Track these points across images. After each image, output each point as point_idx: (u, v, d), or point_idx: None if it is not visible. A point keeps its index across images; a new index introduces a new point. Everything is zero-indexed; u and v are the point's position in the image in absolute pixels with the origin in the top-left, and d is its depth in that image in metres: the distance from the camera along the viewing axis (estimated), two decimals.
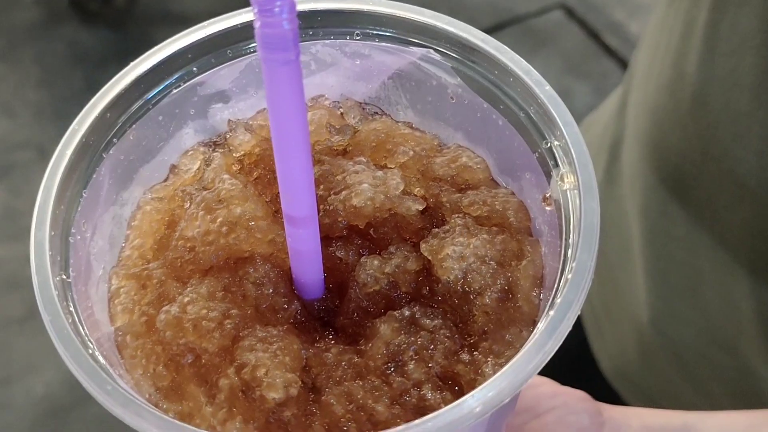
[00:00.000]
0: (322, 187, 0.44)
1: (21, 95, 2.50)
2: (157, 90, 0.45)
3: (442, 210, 0.44)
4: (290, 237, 0.40)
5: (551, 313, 0.36)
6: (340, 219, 0.43)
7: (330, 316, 0.43)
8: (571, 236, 0.39)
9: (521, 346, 0.38)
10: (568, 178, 0.40)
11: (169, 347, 0.39)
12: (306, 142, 0.36)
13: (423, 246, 0.42)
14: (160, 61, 0.44)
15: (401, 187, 0.44)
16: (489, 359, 0.39)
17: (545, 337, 0.35)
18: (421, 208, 0.44)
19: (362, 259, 0.43)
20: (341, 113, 0.49)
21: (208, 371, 0.39)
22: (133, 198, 0.45)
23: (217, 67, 0.46)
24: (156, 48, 0.44)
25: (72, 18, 2.71)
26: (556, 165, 0.41)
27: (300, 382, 0.38)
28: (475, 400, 0.33)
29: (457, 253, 0.41)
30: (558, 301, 0.36)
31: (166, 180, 0.47)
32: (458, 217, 0.43)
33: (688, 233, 0.72)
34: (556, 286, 0.38)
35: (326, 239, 0.43)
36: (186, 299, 0.40)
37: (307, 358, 0.40)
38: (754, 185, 0.63)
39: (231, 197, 0.43)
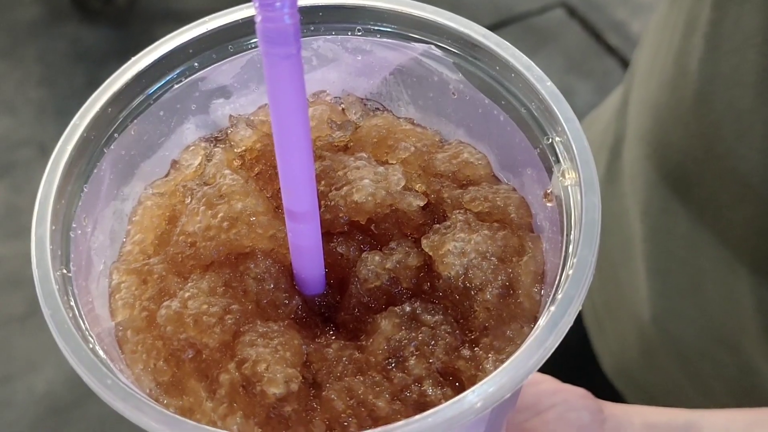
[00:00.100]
0: (323, 182, 0.44)
1: (22, 93, 2.50)
2: (159, 85, 0.45)
3: (444, 206, 0.44)
4: (291, 232, 0.40)
5: (552, 308, 0.35)
6: (341, 215, 0.43)
7: (331, 311, 0.43)
8: (572, 232, 0.39)
9: (522, 342, 0.38)
10: (569, 174, 0.40)
11: (170, 342, 0.39)
12: (307, 137, 0.36)
13: (424, 242, 0.42)
14: (161, 57, 0.44)
15: (402, 183, 0.44)
16: (490, 355, 0.39)
17: (546, 333, 0.35)
18: (422, 203, 0.44)
19: (363, 255, 0.43)
20: (342, 109, 0.49)
21: (208, 366, 0.39)
22: (134, 193, 0.45)
23: (219, 63, 0.46)
24: (157, 43, 0.44)
25: (73, 16, 2.71)
26: (558, 161, 0.41)
27: (301, 378, 0.38)
28: (475, 396, 0.33)
29: (458, 249, 0.41)
30: (559, 296, 0.36)
31: (167, 175, 0.47)
32: (459, 213, 0.43)
33: (690, 231, 0.72)
34: (557, 281, 0.38)
35: (327, 235, 0.43)
36: (187, 294, 0.40)
37: (307, 353, 0.40)
38: (757, 183, 0.63)
39: (232, 193, 0.43)
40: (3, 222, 2.18)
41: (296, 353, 0.39)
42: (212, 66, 0.46)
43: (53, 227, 0.39)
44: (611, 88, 1.02)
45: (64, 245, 0.39)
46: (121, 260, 0.43)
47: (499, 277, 0.41)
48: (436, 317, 0.41)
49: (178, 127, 0.47)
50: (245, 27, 0.45)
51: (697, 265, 0.73)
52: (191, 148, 0.47)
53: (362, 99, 0.49)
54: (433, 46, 0.45)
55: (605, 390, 0.89)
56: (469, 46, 0.44)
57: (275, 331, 0.39)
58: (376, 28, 0.46)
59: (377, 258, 0.42)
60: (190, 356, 0.39)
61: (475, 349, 0.39)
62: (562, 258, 0.39)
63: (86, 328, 0.37)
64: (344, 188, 0.43)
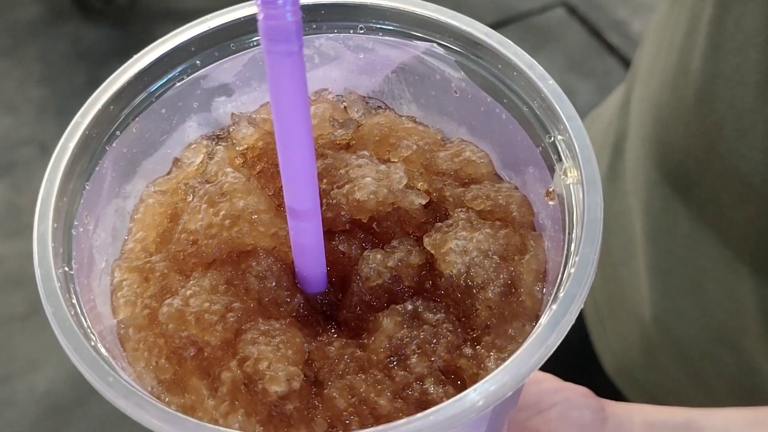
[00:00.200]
0: (325, 180, 0.44)
1: (23, 92, 2.50)
2: (161, 83, 0.45)
3: (446, 204, 0.44)
4: (293, 230, 0.40)
5: (554, 307, 0.35)
6: (343, 213, 0.43)
7: (333, 309, 0.43)
8: (574, 230, 0.39)
9: (524, 340, 0.38)
10: (571, 172, 0.40)
11: (172, 340, 0.39)
12: (309, 135, 0.36)
13: (426, 240, 0.42)
14: (163, 54, 0.44)
15: (404, 181, 0.44)
16: (492, 353, 0.39)
17: (548, 331, 0.35)
18: (424, 202, 0.44)
19: (365, 253, 0.43)
20: (344, 107, 0.49)
21: (210, 364, 0.39)
22: (136, 191, 0.45)
23: (221, 61, 0.46)
24: (159, 41, 0.44)
25: (74, 15, 2.71)
26: (560, 159, 0.41)
27: (302, 376, 0.38)
28: (477, 394, 0.33)
29: (460, 248, 0.41)
30: (561, 295, 0.36)
31: (169, 173, 0.47)
32: (461, 211, 0.43)
33: (692, 230, 0.72)
34: (559, 280, 0.38)
35: (329, 233, 0.43)
36: (189, 292, 0.40)
37: (309, 351, 0.40)
38: (759, 182, 0.63)
39: (234, 190, 0.43)
40: (3, 221, 2.18)
41: (298, 351, 0.39)
42: (214, 64, 0.46)
43: (55, 225, 0.39)
44: (612, 87, 1.02)
45: (66, 243, 0.39)
46: (123, 258, 0.43)
47: (501, 276, 0.41)
48: (438, 315, 0.41)
49: (180, 125, 0.47)
50: (247, 25, 0.45)
51: (698, 264, 0.73)
52: (193, 146, 0.47)
53: (364, 97, 0.49)
54: (435, 45, 0.45)
55: (606, 389, 0.89)
56: (471, 45, 0.44)
57: (277, 329, 0.39)
58: (378, 26, 0.46)
59: (379, 256, 0.42)
60: (191, 354, 0.39)
61: (477, 347, 0.39)
62: (564, 256, 0.39)
63: (88, 326, 0.37)
64: (346, 186, 0.43)
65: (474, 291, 0.41)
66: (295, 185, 0.38)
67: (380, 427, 0.32)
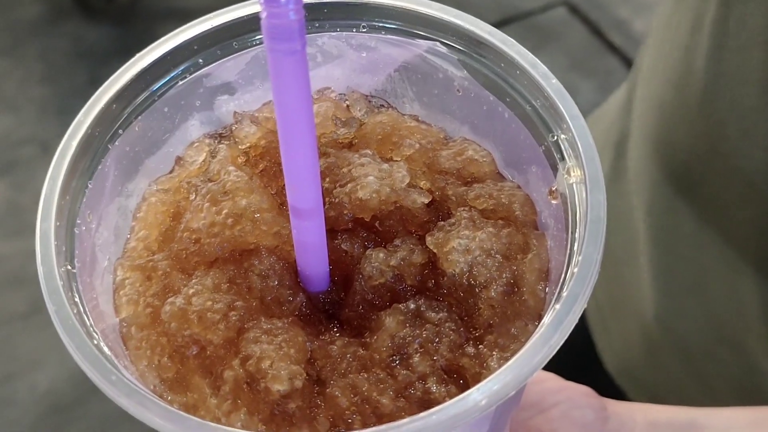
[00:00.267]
0: (327, 179, 0.44)
1: (24, 91, 2.51)
2: (163, 82, 0.45)
3: (448, 203, 0.44)
4: (296, 229, 0.40)
5: (557, 306, 0.35)
6: (345, 211, 0.43)
7: (335, 308, 0.43)
8: (577, 229, 0.39)
9: (527, 339, 0.38)
10: (574, 171, 0.40)
11: (174, 339, 0.39)
12: (312, 133, 0.36)
13: (428, 239, 0.42)
14: (165, 53, 0.44)
15: (407, 180, 0.43)
16: (494, 352, 0.39)
17: (551, 331, 0.35)
18: (426, 201, 0.44)
19: (367, 252, 0.43)
20: (347, 106, 0.49)
21: (212, 363, 0.39)
22: (138, 189, 0.45)
23: (223, 59, 0.46)
24: (162, 40, 0.44)
25: (75, 14, 2.71)
26: (563, 158, 0.41)
27: (305, 375, 0.38)
28: (480, 394, 0.33)
29: (462, 246, 0.41)
30: (564, 294, 0.36)
31: (171, 172, 0.47)
32: (464, 210, 0.43)
33: (695, 230, 0.72)
34: (562, 279, 0.38)
35: (332, 232, 0.43)
36: (191, 291, 0.40)
37: (312, 350, 0.39)
38: (761, 182, 0.63)
39: (236, 189, 0.43)
40: (5, 220, 2.18)
41: (300, 350, 0.39)
42: (217, 62, 0.46)
43: (58, 223, 0.39)
44: (614, 86, 1.02)
45: (68, 241, 0.39)
46: (126, 256, 0.43)
47: (504, 275, 0.41)
48: (441, 314, 0.40)
49: (183, 124, 0.47)
50: (250, 23, 0.45)
51: (701, 264, 0.73)
52: (195, 144, 0.47)
53: (367, 96, 0.49)
54: (438, 43, 0.45)
55: (608, 388, 0.89)
56: (474, 43, 0.44)
57: (279, 327, 0.39)
58: (381, 24, 0.46)
59: (381, 255, 0.42)
60: (194, 353, 0.39)
61: (480, 346, 0.39)
62: (567, 256, 0.38)
63: (91, 325, 0.37)
64: (349, 185, 0.43)
65: (476, 290, 0.41)
66: (297, 184, 0.38)
67: (383, 427, 0.32)
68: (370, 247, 0.43)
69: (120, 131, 0.43)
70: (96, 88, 0.42)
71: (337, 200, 0.43)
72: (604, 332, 0.92)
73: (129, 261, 0.43)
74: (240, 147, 0.46)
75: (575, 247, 0.38)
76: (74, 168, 0.41)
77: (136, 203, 0.45)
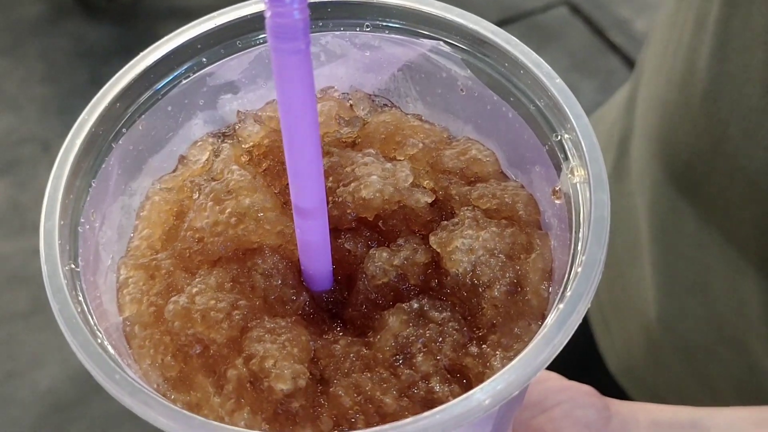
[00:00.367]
0: (331, 179, 0.44)
1: (26, 90, 2.51)
2: (167, 80, 0.45)
3: (451, 202, 0.44)
4: (299, 228, 0.40)
5: (561, 306, 0.35)
6: (349, 211, 0.43)
7: (338, 307, 0.43)
8: (581, 229, 0.39)
9: (530, 339, 0.38)
10: (578, 171, 0.40)
11: (178, 338, 0.39)
12: (315, 132, 0.36)
13: (432, 238, 0.42)
14: (169, 52, 0.44)
15: (410, 179, 0.43)
16: (498, 352, 0.39)
17: (554, 331, 0.34)
18: (430, 200, 0.44)
19: (371, 251, 0.43)
20: (350, 105, 0.49)
21: (216, 362, 0.39)
22: (141, 188, 0.45)
23: (227, 58, 0.46)
24: (165, 39, 0.44)
25: (77, 13, 2.72)
26: (566, 158, 0.41)
27: (308, 374, 0.38)
28: (483, 393, 0.33)
29: (466, 246, 0.41)
30: (568, 294, 0.36)
31: (174, 170, 0.47)
32: (467, 209, 0.43)
33: (697, 230, 0.72)
34: (565, 279, 0.38)
35: (335, 231, 0.43)
36: (194, 290, 0.40)
37: (315, 349, 0.39)
38: (764, 182, 0.63)
39: (240, 188, 0.43)
40: (6, 219, 2.18)
41: (304, 349, 0.39)
42: (220, 61, 0.46)
43: (61, 222, 0.39)
44: (615, 86, 1.02)
45: (72, 240, 0.39)
46: (129, 255, 0.43)
47: (507, 275, 0.41)
48: (444, 314, 0.40)
49: (186, 123, 0.47)
50: (253, 22, 0.45)
51: (703, 263, 0.73)
52: (199, 143, 0.47)
53: (370, 95, 0.49)
54: (441, 43, 0.45)
55: (611, 388, 0.89)
56: (477, 43, 0.44)
57: (283, 327, 0.39)
58: (384, 23, 0.46)
59: (385, 254, 0.42)
60: (197, 352, 0.39)
61: (483, 346, 0.39)
62: (571, 255, 0.38)
63: (94, 323, 0.37)
64: (352, 184, 0.43)
65: (480, 289, 0.41)
66: (301, 183, 0.38)
67: (386, 426, 0.32)
68: (373, 247, 0.43)
69: (123, 130, 0.43)
70: (97, 88, 0.42)
71: (340, 199, 0.43)
72: (606, 332, 0.92)
73: (132, 260, 0.43)
74: (243, 146, 0.46)
75: (579, 247, 0.38)
76: (78, 167, 0.41)
77: (140, 202, 0.45)
